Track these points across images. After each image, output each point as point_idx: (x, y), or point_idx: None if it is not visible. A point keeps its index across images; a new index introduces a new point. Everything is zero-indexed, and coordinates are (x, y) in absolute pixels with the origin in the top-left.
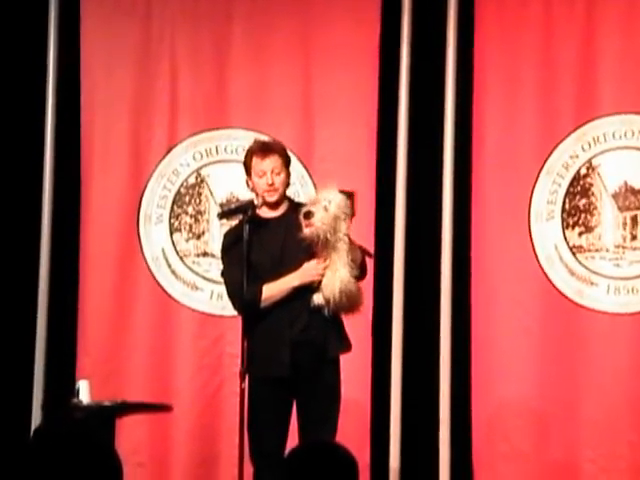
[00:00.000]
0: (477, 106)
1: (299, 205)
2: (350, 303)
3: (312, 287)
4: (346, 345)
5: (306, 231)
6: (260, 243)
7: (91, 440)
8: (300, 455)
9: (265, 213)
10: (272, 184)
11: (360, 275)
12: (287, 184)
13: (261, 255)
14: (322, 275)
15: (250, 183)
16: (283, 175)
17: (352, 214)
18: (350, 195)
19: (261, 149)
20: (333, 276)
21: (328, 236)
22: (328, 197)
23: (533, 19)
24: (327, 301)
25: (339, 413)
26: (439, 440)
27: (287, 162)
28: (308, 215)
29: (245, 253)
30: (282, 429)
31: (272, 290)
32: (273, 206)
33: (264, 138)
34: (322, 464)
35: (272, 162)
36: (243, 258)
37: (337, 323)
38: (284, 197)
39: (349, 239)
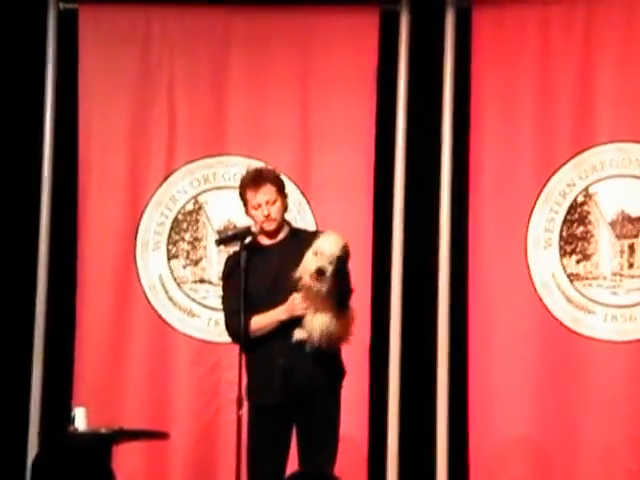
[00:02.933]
0: (474, 133)
1: (297, 231)
2: (331, 342)
3: (300, 319)
4: (338, 375)
5: (302, 281)
6: (257, 270)
7: (89, 467)
8: None
9: (264, 240)
10: (268, 215)
11: (344, 311)
12: (284, 209)
13: (256, 282)
14: (305, 311)
15: (247, 213)
16: (279, 203)
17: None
18: (347, 248)
19: (253, 181)
20: (312, 321)
21: (323, 289)
22: (331, 248)
23: (530, 46)
24: (308, 337)
25: (338, 441)
26: (437, 469)
27: (281, 188)
28: (320, 273)
29: (243, 282)
30: (280, 457)
31: (260, 322)
32: (272, 234)
33: (257, 164)
34: None
35: (265, 193)
36: (240, 286)
37: (326, 354)
38: (283, 223)
39: (335, 278)
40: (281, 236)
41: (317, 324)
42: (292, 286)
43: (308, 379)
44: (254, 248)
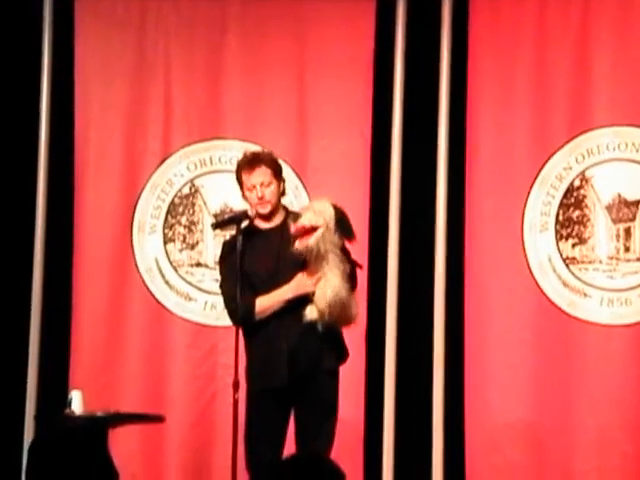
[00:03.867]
0: (471, 118)
1: (295, 215)
2: (344, 313)
3: (306, 299)
4: (342, 357)
5: (298, 244)
6: (256, 254)
7: (85, 451)
8: (286, 468)
9: (261, 224)
10: (262, 197)
11: (351, 286)
12: (280, 193)
13: (257, 266)
14: (315, 286)
15: (243, 196)
16: (273, 186)
17: (352, 233)
18: (343, 213)
19: (248, 163)
20: (325, 286)
21: (320, 247)
22: (319, 207)
23: (527, 31)
24: (321, 313)
25: (336, 423)
26: (432, 452)
27: (277, 171)
28: (296, 218)
29: (238, 265)
30: (278, 440)
31: (266, 303)
32: (268, 217)
33: (254, 148)
34: (308, 477)
35: (260, 175)
36: (237, 270)
37: (333, 335)
38: (278, 207)
39: (341, 250)
40: (278, 220)
41: (329, 291)
42: (295, 263)
43: (313, 362)
44: (252, 232)
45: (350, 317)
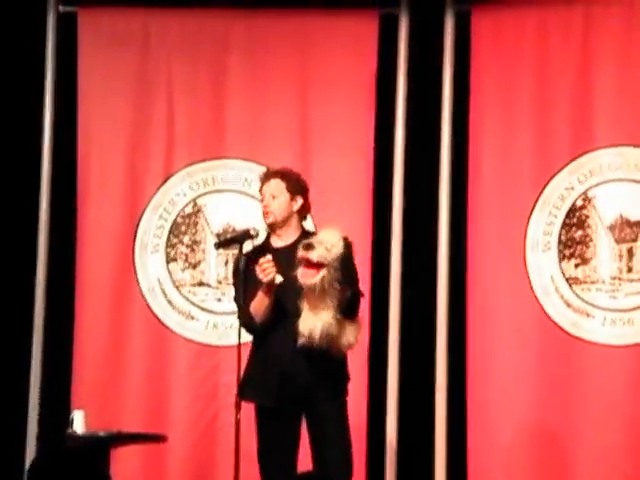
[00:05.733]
0: (473, 136)
1: (309, 235)
2: (332, 345)
3: (297, 324)
4: (337, 380)
5: (301, 279)
6: None
7: (86, 471)
8: None
9: (276, 241)
10: (266, 206)
11: (349, 314)
12: (292, 209)
13: None
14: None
15: None
16: (283, 199)
17: (352, 277)
18: (350, 243)
19: (265, 175)
20: (315, 319)
21: (324, 285)
22: (331, 241)
23: (529, 50)
24: (309, 342)
25: (348, 445)
26: (435, 471)
27: (292, 187)
28: (308, 248)
29: (242, 284)
30: (287, 455)
31: (253, 305)
32: (282, 235)
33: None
34: None
35: (271, 186)
36: (240, 289)
37: (327, 360)
38: (288, 223)
39: (344, 281)
40: (291, 238)
41: (319, 324)
42: (294, 288)
43: (305, 386)
44: (265, 249)
45: (343, 346)
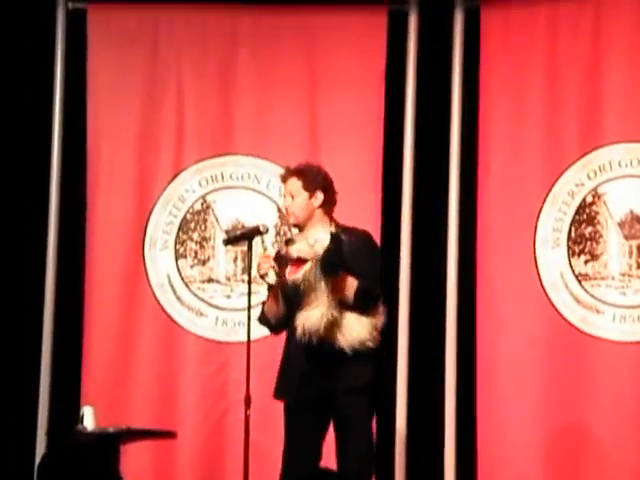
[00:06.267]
0: (483, 134)
1: (288, 240)
2: (333, 340)
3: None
4: (358, 378)
5: (287, 275)
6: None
7: (96, 467)
8: None
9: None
10: (287, 208)
11: (359, 308)
12: (310, 207)
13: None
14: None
15: None
16: (301, 198)
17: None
18: (339, 238)
19: (283, 175)
20: (308, 315)
21: (310, 280)
22: (316, 236)
23: (539, 46)
24: (303, 337)
25: (370, 443)
26: (444, 467)
27: (309, 184)
28: (288, 242)
29: (249, 282)
30: (310, 449)
31: (266, 304)
32: (301, 229)
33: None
34: None
35: (289, 186)
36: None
37: (356, 355)
38: (309, 221)
39: (340, 273)
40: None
41: (310, 318)
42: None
43: (325, 384)
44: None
45: (352, 341)
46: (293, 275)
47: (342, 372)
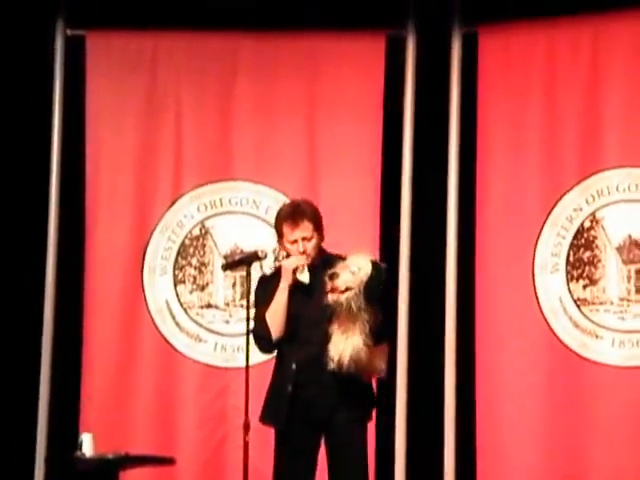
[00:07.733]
0: (481, 158)
1: (327, 257)
2: (365, 368)
3: (324, 346)
4: (359, 407)
5: (330, 298)
6: (297, 301)
7: None
8: None
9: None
10: (304, 251)
11: (378, 340)
12: (319, 243)
13: (294, 310)
14: (303, 257)
15: (280, 245)
16: (315, 240)
17: (381, 285)
18: (380, 267)
19: (292, 217)
20: (347, 343)
21: (351, 305)
22: (358, 265)
23: (537, 71)
24: (339, 366)
25: (365, 472)
26: None
27: (318, 225)
28: (332, 277)
29: (247, 307)
30: (302, 474)
31: (271, 309)
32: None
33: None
34: None
35: (303, 230)
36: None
37: (357, 384)
38: (318, 258)
39: (374, 307)
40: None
41: (349, 348)
42: (323, 313)
43: (327, 410)
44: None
45: (373, 371)
46: (336, 297)
47: (352, 400)
